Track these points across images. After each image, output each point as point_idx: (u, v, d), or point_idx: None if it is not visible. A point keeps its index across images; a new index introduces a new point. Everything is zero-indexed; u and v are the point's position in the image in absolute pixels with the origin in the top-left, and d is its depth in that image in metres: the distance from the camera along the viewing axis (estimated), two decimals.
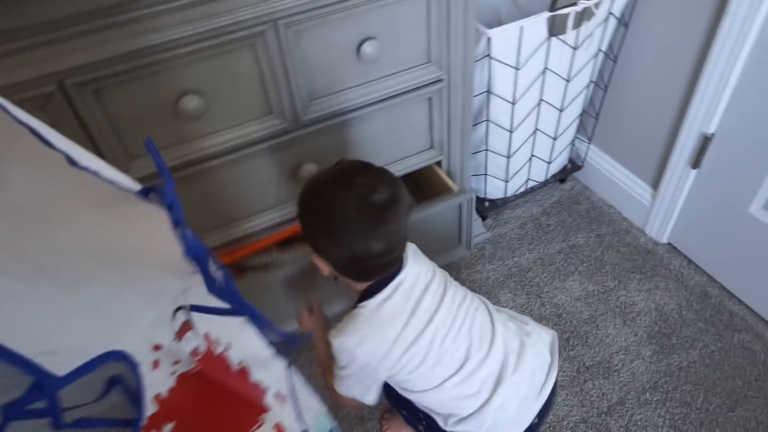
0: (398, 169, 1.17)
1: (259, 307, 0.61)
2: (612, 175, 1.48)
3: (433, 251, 1.10)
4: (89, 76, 0.77)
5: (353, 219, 0.70)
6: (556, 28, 1.11)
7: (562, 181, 1.59)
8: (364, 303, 0.77)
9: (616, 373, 1.17)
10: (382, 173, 0.75)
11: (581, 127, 1.48)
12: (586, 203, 1.53)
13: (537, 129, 1.32)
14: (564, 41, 1.14)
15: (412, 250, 0.82)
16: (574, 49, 1.17)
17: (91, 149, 0.82)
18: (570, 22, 1.11)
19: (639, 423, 1.09)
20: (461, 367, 0.77)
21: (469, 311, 0.80)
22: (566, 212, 1.51)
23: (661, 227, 1.39)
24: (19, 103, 0.70)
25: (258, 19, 0.83)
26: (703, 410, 1.10)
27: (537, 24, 1.08)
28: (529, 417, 0.79)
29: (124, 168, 0.88)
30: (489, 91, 1.17)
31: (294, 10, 0.85)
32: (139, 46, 0.78)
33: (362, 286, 0.78)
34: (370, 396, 0.82)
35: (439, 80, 1.08)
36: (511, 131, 1.26)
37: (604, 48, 1.26)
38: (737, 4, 0.99)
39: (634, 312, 1.27)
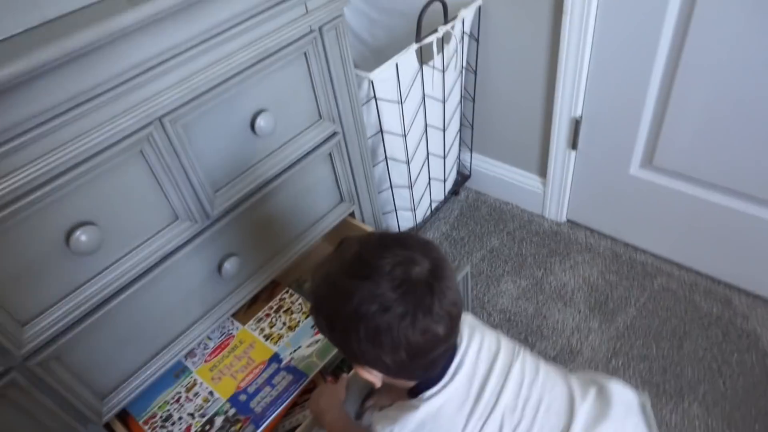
0: (318, 231, 1.11)
1: None
2: (500, 175, 1.56)
3: None
4: None
5: (402, 312, 0.56)
6: (424, 57, 1.15)
7: (456, 193, 1.65)
8: (418, 395, 0.66)
9: (579, 354, 1.22)
10: (403, 240, 0.62)
11: (461, 140, 1.55)
12: (485, 207, 1.60)
13: (429, 153, 1.35)
14: (433, 66, 1.19)
15: (468, 322, 0.71)
16: (443, 71, 1.22)
17: None
18: (434, 48, 1.15)
19: None
20: None
21: (545, 388, 0.67)
22: (472, 221, 1.57)
23: (558, 209, 1.50)
24: None
25: (141, 121, 0.73)
26: (660, 357, 1.19)
27: (408, 57, 1.11)
28: None
29: (15, 337, 0.71)
30: (381, 131, 1.17)
31: (176, 104, 0.77)
32: (5, 191, 0.64)
33: (415, 382, 0.66)
34: None
35: (334, 134, 1.05)
36: (408, 162, 1.27)
37: (464, 64, 1.33)
38: (571, 3, 1.11)
39: (568, 291, 1.35)
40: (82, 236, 0.72)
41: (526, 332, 1.28)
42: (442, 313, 0.58)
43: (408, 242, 0.62)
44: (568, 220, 1.52)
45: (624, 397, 0.69)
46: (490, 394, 0.65)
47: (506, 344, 0.71)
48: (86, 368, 0.82)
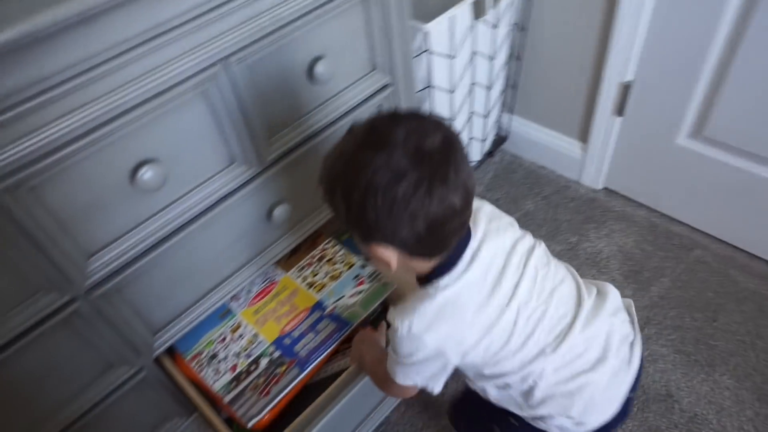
0: None
1: None
2: (539, 139, 1.54)
3: None
4: (22, 174, 0.62)
5: (417, 180, 0.55)
6: (478, 11, 1.12)
7: (491, 155, 1.63)
8: (433, 283, 0.66)
9: None
10: (414, 113, 0.62)
11: (503, 102, 1.52)
12: (521, 170, 1.59)
13: (472, 112, 1.34)
14: (486, 21, 1.16)
15: (486, 211, 0.72)
16: (495, 27, 1.19)
17: (39, 256, 0.67)
18: (489, 1, 1.12)
19: (650, 358, 1.16)
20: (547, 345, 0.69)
21: (555, 281, 0.72)
22: (507, 184, 1.56)
23: (596, 175, 1.48)
24: None
25: (209, 59, 0.72)
26: (693, 328, 1.20)
27: (463, 10, 1.08)
28: (623, 391, 0.74)
29: (82, 268, 0.73)
30: (430, 85, 1.15)
31: (241, 44, 0.75)
32: (75, 125, 0.64)
33: (430, 265, 0.66)
34: (438, 384, 0.72)
35: (386, 86, 1.04)
36: (452, 120, 1.26)
37: (516, 21, 1.30)
38: None
39: (603, 259, 1.35)
40: (147, 173, 0.73)
41: None
42: (458, 183, 0.57)
43: (420, 115, 0.61)
44: (605, 188, 1.51)
45: (615, 297, 0.78)
46: (508, 287, 0.67)
47: (523, 236, 0.73)
48: (142, 303, 0.85)
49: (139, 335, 0.86)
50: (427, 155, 0.56)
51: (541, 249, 0.74)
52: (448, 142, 0.58)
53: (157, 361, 0.95)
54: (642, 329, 1.21)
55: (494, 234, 0.69)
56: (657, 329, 1.20)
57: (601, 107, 1.33)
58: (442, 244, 0.63)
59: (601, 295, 0.77)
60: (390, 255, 0.62)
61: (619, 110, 1.31)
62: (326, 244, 1.14)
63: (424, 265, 0.66)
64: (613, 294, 0.78)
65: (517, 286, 0.67)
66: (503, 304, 0.67)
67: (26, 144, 0.61)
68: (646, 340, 1.19)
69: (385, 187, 0.56)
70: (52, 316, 0.73)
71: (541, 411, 0.72)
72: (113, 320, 0.81)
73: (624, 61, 1.22)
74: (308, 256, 1.12)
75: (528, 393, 0.72)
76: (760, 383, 1.10)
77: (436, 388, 0.72)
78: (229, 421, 0.96)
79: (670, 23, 1.12)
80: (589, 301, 0.73)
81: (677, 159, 1.29)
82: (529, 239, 0.74)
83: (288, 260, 1.12)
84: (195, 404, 0.92)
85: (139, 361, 0.89)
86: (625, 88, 1.26)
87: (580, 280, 0.77)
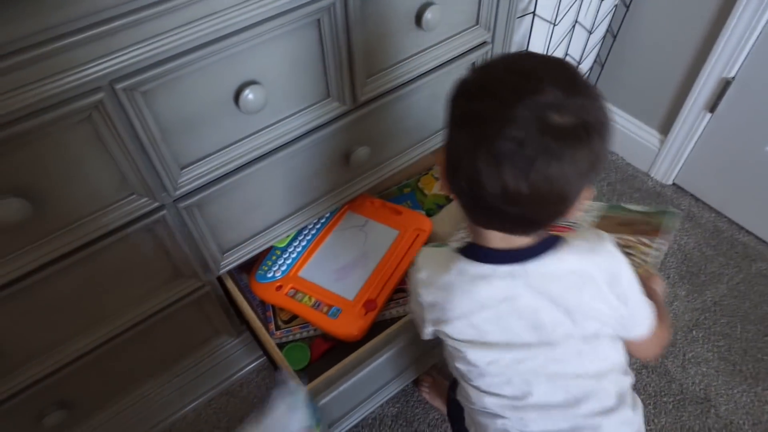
0: (436, 142, 1.10)
1: None
2: (615, 123, 1.49)
3: None
4: (139, 77, 0.62)
5: (507, 146, 0.48)
6: None
7: None
8: (462, 257, 0.61)
9: None
10: (575, 84, 0.51)
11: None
12: None
13: None
14: None
15: (602, 259, 0.58)
16: None
17: (141, 159, 0.69)
18: None
19: (692, 360, 1.15)
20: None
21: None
22: None
23: (668, 170, 1.44)
24: (61, 119, 0.56)
25: None
26: (743, 339, 1.18)
27: None
28: None
29: (174, 178, 0.74)
30: (528, 46, 1.11)
31: None
32: (194, 35, 0.64)
33: (475, 231, 0.60)
34: (422, 332, 0.71)
35: (484, 43, 1.00)
36: None
37: None
38: None
39: None
40: (250, 94, 0.73)
41: None
42: (529, 172, 0.48)
43: (579, 88, 0.51)
44: (674, 184, 1.47)
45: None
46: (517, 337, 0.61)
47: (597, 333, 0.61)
48: (219, 222, 0.87)
49: (210, 251, 0.88)
50: (541, 124, 0.48)
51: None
52: (575, 133, 0.49)
53: (220, 279, 0.98)
54: (690, 330, 1.20)
55: (567, 287, 0.58)
56: (705, 333, 1.19)
57: (693, 100, 1.27)
58: (470, 212, 0.58)
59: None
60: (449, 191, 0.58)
61: (712, 106, 1.25)
62: None
63: (473, 227, 0.60)
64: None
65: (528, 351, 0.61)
66: (498, 345, 0.61)
67: (146, 49, 0.61)
68: (692, 342, 1.18)
69: (477, 115, 0.51)
70: (141, 219, 0.76)
71: None
72: (191, 233, 0.83)
73: (731, 56, 1.15)
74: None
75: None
76: None
77: (421, 334, 0.72)
78: (281, 346, 0.99)
79: None
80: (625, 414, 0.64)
81: (762, 167, 1.24)
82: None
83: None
84: (251, 324, 0.95)
85: (206, 276, 0.92)
86: (725, 84, 1.20)
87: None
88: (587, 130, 0.49)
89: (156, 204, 0.76)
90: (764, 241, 1.34)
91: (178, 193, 0.76)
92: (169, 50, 0.63)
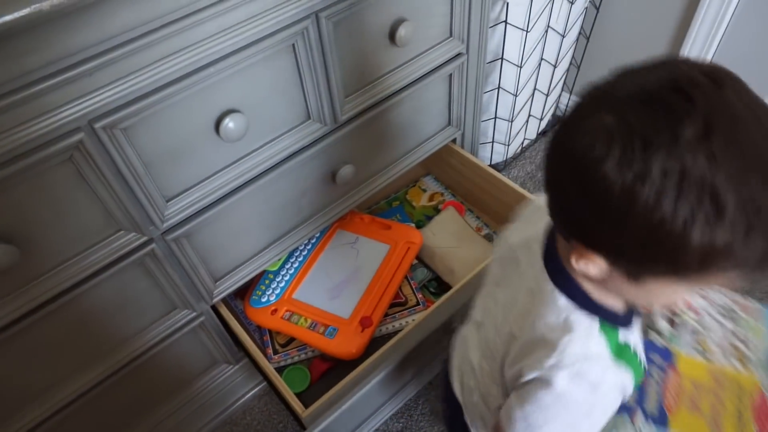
0: (422, 152, 1.11)
1: None
2: None
3: None
4: (118, 114, 0.63)
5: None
6: None
7: (545, 134, 1.61)
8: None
9: None
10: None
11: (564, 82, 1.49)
12: None
13: (536, 88, 1.31)
14: None
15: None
16: (571, 3, 1.16)
17: (125, 195, 0.69)
18: None
19: None
20: None
21: None
22: None
23: None
24: (42, 162, 0.56)
25: (301, 12, 0.72)
26: None
27: None
28: None
29: (161, 211, 0.74)
30: (501, 58, 1.13)
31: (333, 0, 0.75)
32: (170, 69, 0.64)
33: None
34: None
35: (460, 54, 1.02)
36: (515, 95, 1.24)
37: None
38: None
39: None
40: (230, 123, 0.73)
41: None
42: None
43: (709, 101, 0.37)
44: None
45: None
46: None
47: None
48: (208, 250, 0.87)
49: (202, 281, 0.88)
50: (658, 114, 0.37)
51: None
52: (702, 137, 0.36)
53: (214, 308, 0.98)
54: None
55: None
56: None
57: None
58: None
59: None
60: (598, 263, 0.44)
61: None
62: None
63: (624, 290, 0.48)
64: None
65: None
66: None
67: (123, 86, 0.62)
68: None
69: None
70: (130, 254, 0.76)
71: None
72: (182, 264, 0.83)
73: (701, 50, 1.17)
74: None
75: None
76: None
77: None
78: (279, 370, 0.99)
79: (760, 12, 1.07)
80: None
81: None
82: None
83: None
84: (248, 350, 0.95)
85: (199, 306, 0.92)
86: None
87: None
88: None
89: (144, 238, 0.75)
90: None
91: (165, 225, 0.77)
92: (146, 86, 0.63)
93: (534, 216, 0.60)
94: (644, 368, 0.53)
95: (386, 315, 1.02)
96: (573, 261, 0.45)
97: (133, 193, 0.70)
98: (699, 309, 0.81)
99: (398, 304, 1.03)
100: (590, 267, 0.44)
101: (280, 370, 1.01)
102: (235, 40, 0.67)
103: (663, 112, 0.37)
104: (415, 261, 1.13)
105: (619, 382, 0.50)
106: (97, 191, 0.67)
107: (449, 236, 1.16)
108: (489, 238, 1.20)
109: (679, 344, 0.80)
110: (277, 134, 0.83)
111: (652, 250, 0.39)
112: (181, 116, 0.69)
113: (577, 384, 0.48)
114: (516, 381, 0.53)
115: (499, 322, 0.61)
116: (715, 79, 0.38)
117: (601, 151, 0.38)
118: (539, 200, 0.60)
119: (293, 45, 0.74)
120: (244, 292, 1.06)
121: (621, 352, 0.50)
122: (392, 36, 0.86)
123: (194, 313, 0.92)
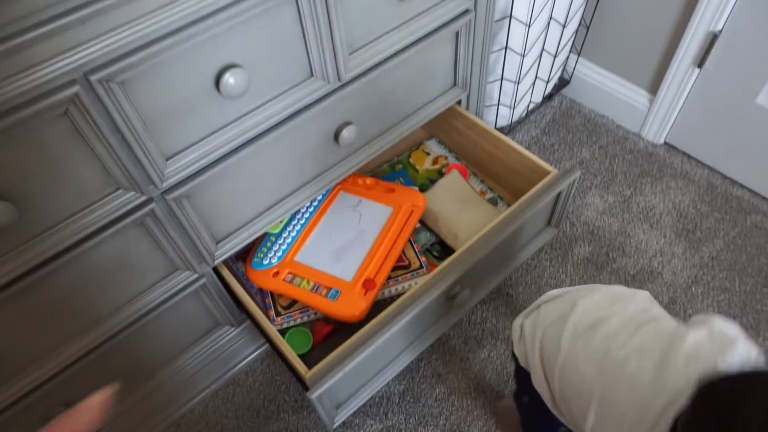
0: (427, 113, 1.08)
1: None
2: (603, 86, 1.48)
3: (519, 244, 1.08)
4: (115, 66, 0.60)
5: None
6: None
7: (550, 98, 1.57)
8: None
9: (659, 276, 1.22)
10: None
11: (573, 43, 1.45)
12: (579, 117, 1.54)
13: (544, 49, 1.27)
14: None
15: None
16: None
17: (124, 153, 0.67)
18: None
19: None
20: None
21: None
22: (564, 129, 1.51)
23: (658, 129, 1.43)
24: (37, 116, 0.54)
25: None
26: (742, 292, 1.19)
27: None
28: None
29: (160, 169, 0.72)
30: (510, 16, 1.09)
31: None
32: (167, 20, 0.61)
33: None
34: None
35: (467, 11, 0.98)
36: (524, 55, 1.20)
37: None
38: None
39: (656, 214, 1.32)
40: (230, 78, 0.71)
41: (608, 247, 1.28)
42: None
43: None
44: (666, 143, 1.46)
45: None
46: None
47: None
48: (210, 211, 0.85)
49: (204, 242, 0.87)
50: None
51: None
52: None
53: (216, 270, 0.97)
54: (689, 287, 1.20)
55: None
56: (704, 289, 1.19)
57: (681, 56, 1.25)
58: None
59: None
60: None
61: (700, 61, 1.24)
62: None
63: None
64: None
65: None
66: None
67: (118, 37, 0.59)
68: (692, 299, 1.18)
69: None
70: (130, 213, 0.74)
71: None
72: (183, 225, 0.82)
73: (717, 8, 1.13)
74: None
75: None
76: None
77: None
78: (282, 332, 0.98)
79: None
80: None
81: (753, 119, 1.23)
82: None
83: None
84: (250, 312, 0.94)
85: (201, 268, 0.91)
86: (712, 38, 1.18)
87: None
88: None
89: (144, 197, 0.74)
90: (758, 194, 1.34)
91: (165, 184, 0.75)
92: (143, 37, 0.61)
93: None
94: None
95: (389, 278, 1.01)
96: None
97: (132, 151, 0.68)
98: None
99: (401, 267, 1.03)
100: None
101: (282, 332, 1.00)
102: None
103: None
104: (419, 225, 1.12)
105: None
106: (94, 148, 0.65)
107: (453, 200, 1.14)
108: (493, 201, 1.18)
109: None
110: (280, 92, 0.80)
111: None
112: (181, 71, 0.67)
113: None
114: None
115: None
116: None
117: None
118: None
119: None
120: (246, 254, 1.05)
121: None
122: None
123: (196, 275, 0.91)
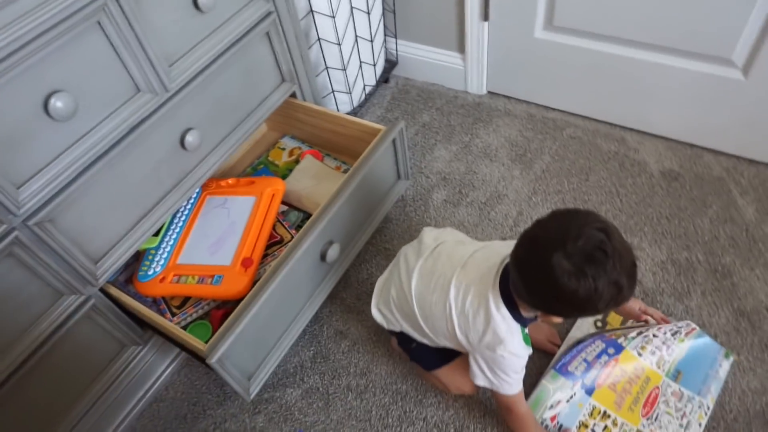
0: (266, 109, 1.22)
1: None
2: (424, 58, 1.70)
3: (377, 199, 1.23)
4: None
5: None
6: None
7: (386, 81, 1.77)
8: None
9: (506, 197, 1.42)
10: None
11: (385, 26, 1.65)
12: (414, 90, 1.74)
13: (357, 36, 1.46)
14: None
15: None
16: None
17: None
18: None
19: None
20: None
21: None
22: (403, 103, 1.71)
23: (478, 82, 1.66)
24: None
25: None
26: (571, 190, 1.41)
27: None
28: None
29: (13, 197, 0.80)
30: (311, 11, 1.26)
31: None
32: None
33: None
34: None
35: (269, 13, 1.14)
36: (339, 44, 1.38)
37: None
38: None
39: (493, 150, 1.54)
40: (57, 102, 0.80)
41: (460, 186, 1.47)
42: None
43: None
44: (489, 92, 1.69)
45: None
46: None
47: None
48: (78, 231, 0.92)
49: (80, 263, 0.94)
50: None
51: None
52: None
53: (104, 291, 1.03)
54: (530, 198, 1.41)
55: None
56: (543, 196, 1.41)
57: (470, 15, 1.49)
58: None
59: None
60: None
61: (485, 15, 1.48)
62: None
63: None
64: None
65: None
66: None
67: None
68: (534, 206, 1.39)
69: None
70: None
71: None
72: (54, 248, 0.89)
73: None
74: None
75: None
76: (625, 220, 1.33)
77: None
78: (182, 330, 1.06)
79: None
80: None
81: (538, 51, 1.48)
82: None
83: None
84: (145, 316, 1.01)
85: (87, 290, 0.97)
86: None
87: None
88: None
89: (4, 226, 0.81)
90: (566, 112, 1.59)
91: (23, 211, 0.82)
92: None
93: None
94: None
95: (266, 256, 1.12)
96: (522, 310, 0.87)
97: None
98: (662, 328, 1.10)
99: (276, 243, 1.14)
100: (532, 311, 0.86)
101: (182, 330, 1.08)
102: (36, 23, 0.73)
103: (596, 260, 0.72)
104: (286, 207, 1.25)
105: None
106: None
107: (312, 179, 1.28)
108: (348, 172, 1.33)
109: (630, 344, 1.09)
110: (112, 109, 0.90)
111: (575, 312, 0.86)
112: (5, 101, 0.75)
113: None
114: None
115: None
116: (607, 233, 0.74)
117: (571, 283, 0.72)
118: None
119: (98, 21, 0.82)
120: (132, 276, 1.12)
121: (526, 337, 0.90)
122: (196, 2, 0.96)
123: (83, 296, 0.97)
